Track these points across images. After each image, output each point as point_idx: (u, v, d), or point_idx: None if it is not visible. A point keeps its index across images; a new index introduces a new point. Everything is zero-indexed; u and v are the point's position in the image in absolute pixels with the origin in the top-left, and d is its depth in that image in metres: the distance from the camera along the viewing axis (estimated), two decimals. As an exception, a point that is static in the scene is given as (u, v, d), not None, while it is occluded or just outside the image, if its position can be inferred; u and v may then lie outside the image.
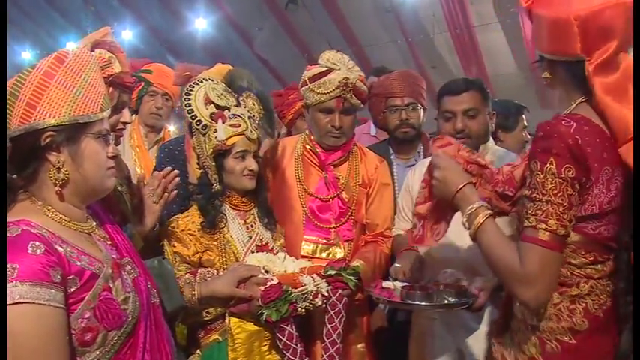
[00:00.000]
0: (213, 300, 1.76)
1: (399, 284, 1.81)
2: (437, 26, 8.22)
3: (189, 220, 1.86)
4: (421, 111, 2.68)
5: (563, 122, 1.29)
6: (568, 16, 1.30)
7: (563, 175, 1.26)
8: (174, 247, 1.82)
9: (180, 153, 2.40)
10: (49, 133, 1.15)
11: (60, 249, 1.13)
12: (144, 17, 9.56)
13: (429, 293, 1.72)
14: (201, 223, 1.85)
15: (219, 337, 1.79)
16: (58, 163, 1.17)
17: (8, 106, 1.14)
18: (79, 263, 1.15)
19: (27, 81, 1.14)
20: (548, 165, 1.27)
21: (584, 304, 1.35)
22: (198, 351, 1.81)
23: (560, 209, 1.27)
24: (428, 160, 2.36)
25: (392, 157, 2.69)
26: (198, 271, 1.80)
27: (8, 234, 1.08)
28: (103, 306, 1.15)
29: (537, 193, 1.29)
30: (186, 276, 1.77)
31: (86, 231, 1.25)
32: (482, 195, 1.52)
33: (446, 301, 1.70)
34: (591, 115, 1.33)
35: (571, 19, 1.29)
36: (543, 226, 1.28)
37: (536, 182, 1.29)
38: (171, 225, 1.85)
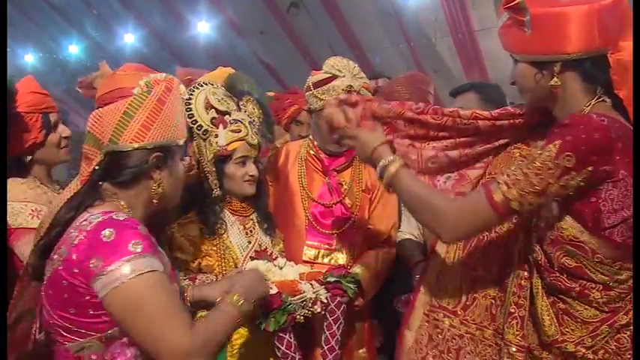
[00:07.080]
0: (206, 305, 1.73)
1: None
2: (439, 31, 8.21)
3: (188, 226, 1.84)
4: None
5: (595, 116, 1.26)
6: (591, 7, 1.28)
7: (557, 161, 1.21)
8: (174, 252, 1.81)
9: None
10: (157, 153, 1.30)
11: None
12: (146, 21, 9.57)
13: None
14: (201, 229, 1.84)
15: (219, 344, 1.78)
16: (160, 179, 1.33)
17: (120, 123, 1.26)
18: None
19: (143, 104, 1.28)
20: (551, 146, 1.23)
21: (628, 332, 1.29)
22: (196, 357, 1.79)
23: (529, 188, 1.23)
24: None
25: None
26: (198, 277, 1.78)
27: (114, 217, 1.21)
28: None
29: (525, 162, 1.27)
30: (186, 282, 1.75)
31: None
32: (401, 149, 1.57)
33: None
34: (612, 113, 1.31)
35: (593, 11, 1.27)
36: (505, 188, 1.25)
37: (531, 154, 1.28)
38: (171, 230, 1.83)
